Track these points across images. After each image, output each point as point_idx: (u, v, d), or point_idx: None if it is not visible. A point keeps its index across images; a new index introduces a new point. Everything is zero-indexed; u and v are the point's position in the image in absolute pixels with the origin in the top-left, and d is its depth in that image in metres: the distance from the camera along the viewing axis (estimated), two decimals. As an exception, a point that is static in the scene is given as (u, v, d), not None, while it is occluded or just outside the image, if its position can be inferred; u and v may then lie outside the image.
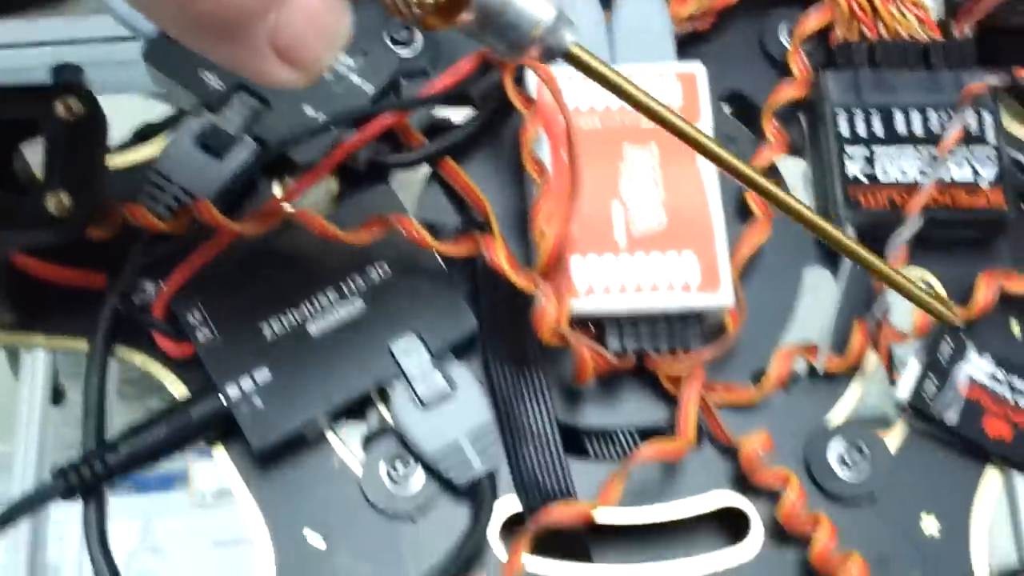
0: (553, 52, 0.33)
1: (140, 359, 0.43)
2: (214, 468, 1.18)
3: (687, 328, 0.41)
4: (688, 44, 0.46)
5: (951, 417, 0.42)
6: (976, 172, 0.43)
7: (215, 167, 0.43)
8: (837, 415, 0.43)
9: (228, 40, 0.30)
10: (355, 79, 0.44)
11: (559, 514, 0.39)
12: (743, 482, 0.42)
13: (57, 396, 0.68)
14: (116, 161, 0.44)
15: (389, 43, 0.46)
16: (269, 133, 0.43)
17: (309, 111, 0.43)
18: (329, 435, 0.42)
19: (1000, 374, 0.42)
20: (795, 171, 0.46)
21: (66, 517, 0.72)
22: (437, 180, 0.45)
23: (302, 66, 0.31)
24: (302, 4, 0.30)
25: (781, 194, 0.34)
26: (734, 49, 0.47)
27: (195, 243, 0.42)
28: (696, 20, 0.46)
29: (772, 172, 0.46)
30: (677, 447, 0.40)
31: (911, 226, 0.41)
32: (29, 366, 0.68)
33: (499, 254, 0.40)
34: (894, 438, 0.43)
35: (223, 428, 0.42)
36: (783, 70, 0.46)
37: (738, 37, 0.48)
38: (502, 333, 0.42)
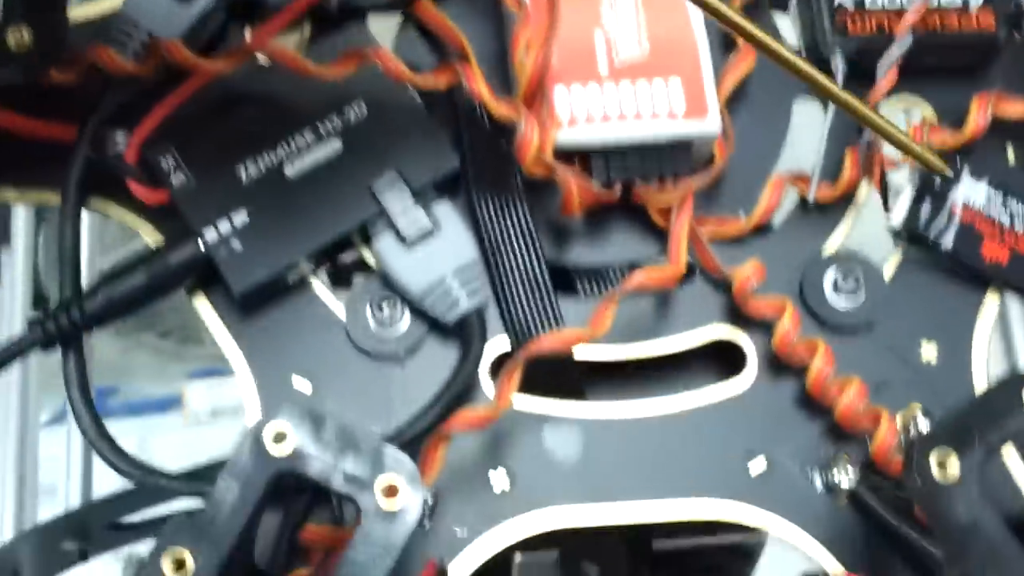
0: None
1: (115, 210, 0.42)
2: (207, 389, 1.18)
3: (675, 156, 0.40)
4: None
5: (946, 241, 0.41)
6: (967, -7, 0.42)
7: (183, 10, 0.41)
8: (831, 245, 0.42)
9: None
10: (324, -83, 0.43)
11: (548, 342, 0.38)
12: (737, 315, 0.41)
13: (39, 300, 0.67)
14: (81, 12, 0.43)
15: None
16: (238, -26, 0.42)
17: (281, -49, 0.42)
18: (312, 279, 0.41)
19: (996, 197, 0.41)
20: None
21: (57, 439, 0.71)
22: (412, 22, 0.44)
23: None
24: None
25: (764, 37, 0.33)
26: None
27: (166, 88, 0.41)
28: None
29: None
30: (668, 273, 0.39)
31: (900, 47, 0.40)
32: (9, 270, 0.67)
33: (478, 82, 0.39)
34: (890, 266, 0.42)
35: (203, 276, 0.41)
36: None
37: None
38: (486, 168, 0.41)
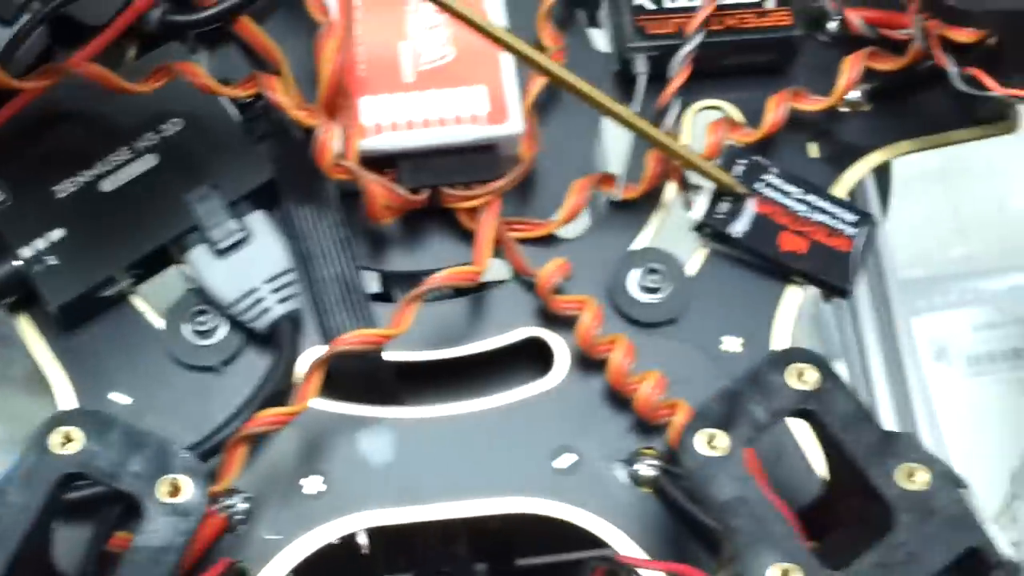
0: None
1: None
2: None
3: (478, 160, 0.42)
4: None
5: (743, 232, 0.42)
6: (763, -6, 0.44)
7: (2, 32, 0.43)
8: (639, 244, 0.43)
9: None
10: (141, -59, 0.44)
11: (349, 340, 0.39)
12: (547, 315, 0.42)
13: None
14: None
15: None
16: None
17: (97, -26, 0.43)
18: (133, 294, 0.42)
19: (794, 191, 0.43)
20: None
21: None
22: (235, 40, 0.45)
23: None
24: None
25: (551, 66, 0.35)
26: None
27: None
28: None
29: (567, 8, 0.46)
30: (469, 273, 0.40)
31: (690, 43, 0.42)
32: None
33: (278, 90, 0.40)
34: (695, 262, 0.43)
35: (26, 296, 0.41)
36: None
37: None
38: (298, 177, 0.42)
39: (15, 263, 0.41)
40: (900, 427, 0.67)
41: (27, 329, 0.42)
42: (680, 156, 0.41)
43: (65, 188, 0.41)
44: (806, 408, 0.35)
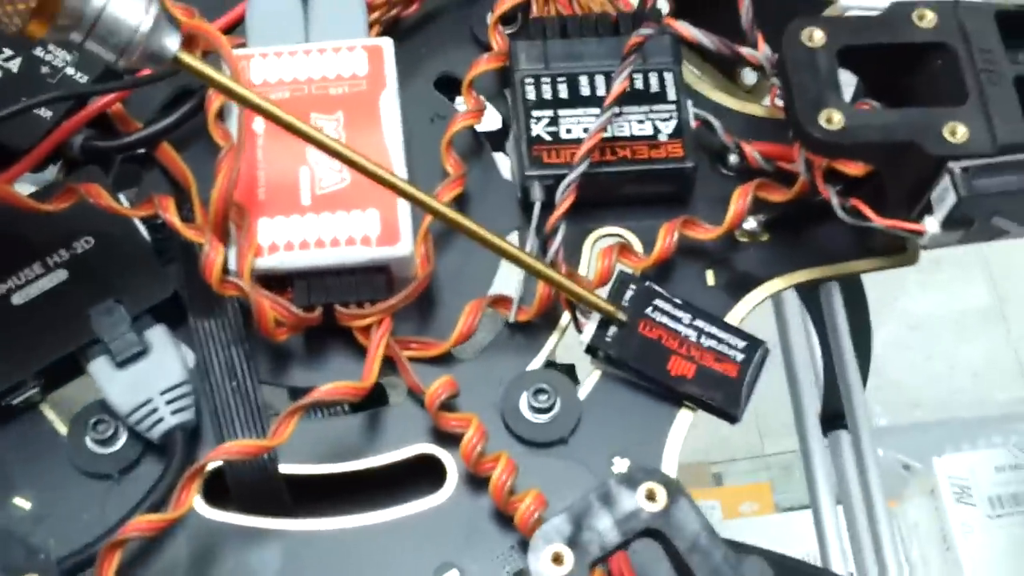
0: (159, 58, 0.36)
1: None
2: None
3: (370, 280, 0.43)
4: (402, 33, 0.49)
5: (632, 356, 0.43)
6: (656, 127, 0.45)
7: (-68, 156, 0.45)
8: (535, 365, 0.44)
9: None
10: (70, 71, 0.46)
11: (227, 449, 0.40)
12: (440, 432, 0.43)
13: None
14: None
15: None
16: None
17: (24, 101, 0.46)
18: (42, 403, 0.44)
19: (684, 316, 0.43)
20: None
21: None
22: (157, 165, 0.47)
23: None
24: None
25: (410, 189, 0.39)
26: (446, 36, 0.50)
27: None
28: (396, 5, 0.48)
29: (476, 137, 0.48)
30: (355, 387, 0.42)
31: (575, 172, 0.43)
32: None
33: (168, 210, 0.42)
34: (588, 383, 0.44)
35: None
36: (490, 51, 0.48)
37: (449, 24, 0.50)
38: (202, 293, 0.44)
39: (-75, 370, 0.42)
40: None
41: (-65, 435, 0.43)
42: (558, 284, 0.42)
43: (-21, 300, 0.43)
44: (654, 528, 0.35)
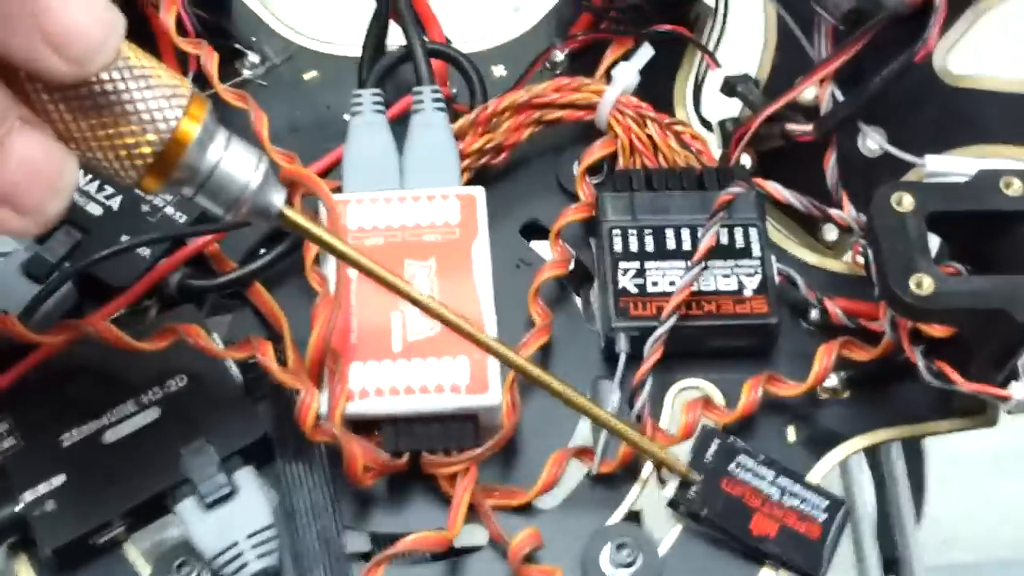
0: (265, 214, 0.37)
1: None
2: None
3: (459, 428, 0.44)
4: (490, 179, 0.50)
5: (715, 513, 0.43)
6: (741, 283, 0.46)
7: (31, 288, 0.46)
8: (616, 517, 0.44)
9: None
10: (169, 210, 0.48)
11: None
12: (521, 586, 0.43)
13: None
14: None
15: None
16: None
17: (125, 241, 0.47)
18: (126, 542, 0.44)
19: (768, 474, 0.44)
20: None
21: None
22: (249, 304, 0.48)
23: (26, 213, 0.33)
24: (20, 155, 0.32)
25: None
26: (532, 184, 0.51)
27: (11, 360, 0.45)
28: (487, 154, 0.49)
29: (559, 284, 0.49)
30: (440, 538, 0.42)
31: (663, 327, 0.44)
32: None
33: (267, 354, 0.43)
34: (669, 539, 0.44)
35: (24, 538, 0.44)
36: (577, 201, 0.49)
37: (535, 173, 0.51)
38: (291, 436, 0.44)
39: (17, 507, 0.43)
40: None
41: (23, 571, 0.44)
42: (639, 446, 0.42)
43: (71, 436, 0.44)
44: None
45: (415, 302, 0.40)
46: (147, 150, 0.35)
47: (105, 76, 0.34)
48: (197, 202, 0.37)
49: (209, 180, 0.36)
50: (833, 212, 0.45)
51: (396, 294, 0.40)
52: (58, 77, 0.32)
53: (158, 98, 0.35)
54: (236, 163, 0.36)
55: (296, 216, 0.38)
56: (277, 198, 0.37)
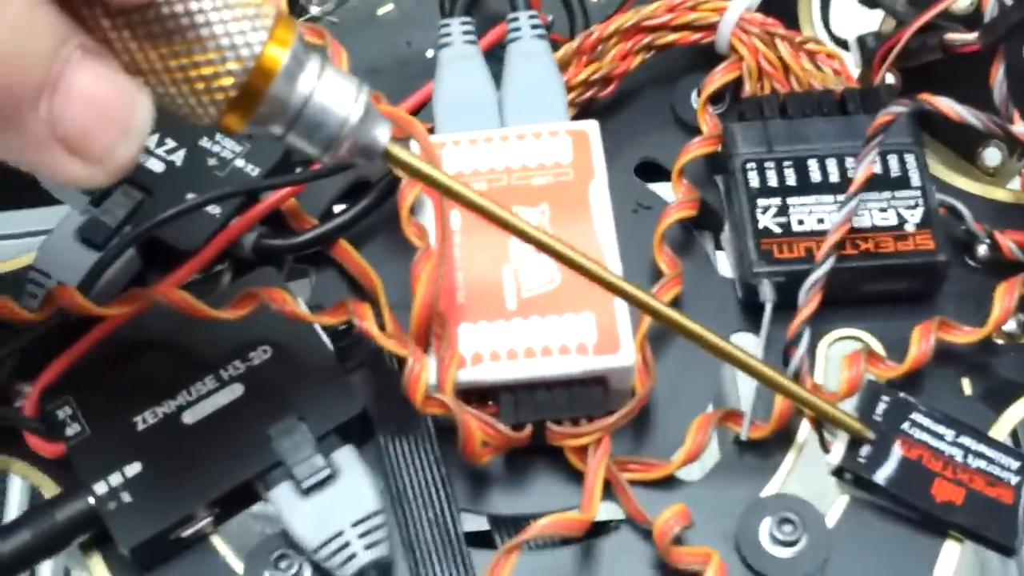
0: (370, 152, 0.31)
1: (17, 466, 0.40)
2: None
3: (587, 394, 0.38)
4: (598, 115, 0.44)
5: (889, 480, 0.37)
6: (901, 216, 0.40)
7: (92, 258, 0.41)
8: (770, 488, 0.39)
9: (3, 132, 0.27)
10: (239, 163, 0.42)
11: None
12: (665, 566, 0.38)
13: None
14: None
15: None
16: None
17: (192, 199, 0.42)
18: (213, 534, 0.39)
19: (947, 433, 0.38)
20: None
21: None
22: (332, 264, 0.43)
23: (94, 159, 0.28)
24: (81, 90, 0.27)
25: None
26: (646, 118, 0.45)
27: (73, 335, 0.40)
28: (594, 86, 0.44)
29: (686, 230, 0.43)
30: (578, 520, 0.36)
31: (820, 270, 0.38)
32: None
33: (368, 318, 0.37)
34: (835, 511, 0.38)
35: (99, 533, 0.38)
36: (697, 134, 0.44)
37: (648, 106, 0.46)
38: (393, 410, 0.39)
39: (89, 501, 0.38)
40: None
41: (100, 570, 0.39)
42: (803, 400, 0.36)
43: (145, 420, 0.39)
44: None
45: (569, 261, 0.34)
46: (228, 81, 0.29)
47: None
48: (288, 143, 0.31)
49: (302, 115, 0.30)
50: (1016, 130, 0.39)
51: (540, 249, 0.34)
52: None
53: (239, 19, 0.29)
54: (332, 94, 0.30)
55: (406, 154, 0.32)
56: (382, 133, 0.31)
